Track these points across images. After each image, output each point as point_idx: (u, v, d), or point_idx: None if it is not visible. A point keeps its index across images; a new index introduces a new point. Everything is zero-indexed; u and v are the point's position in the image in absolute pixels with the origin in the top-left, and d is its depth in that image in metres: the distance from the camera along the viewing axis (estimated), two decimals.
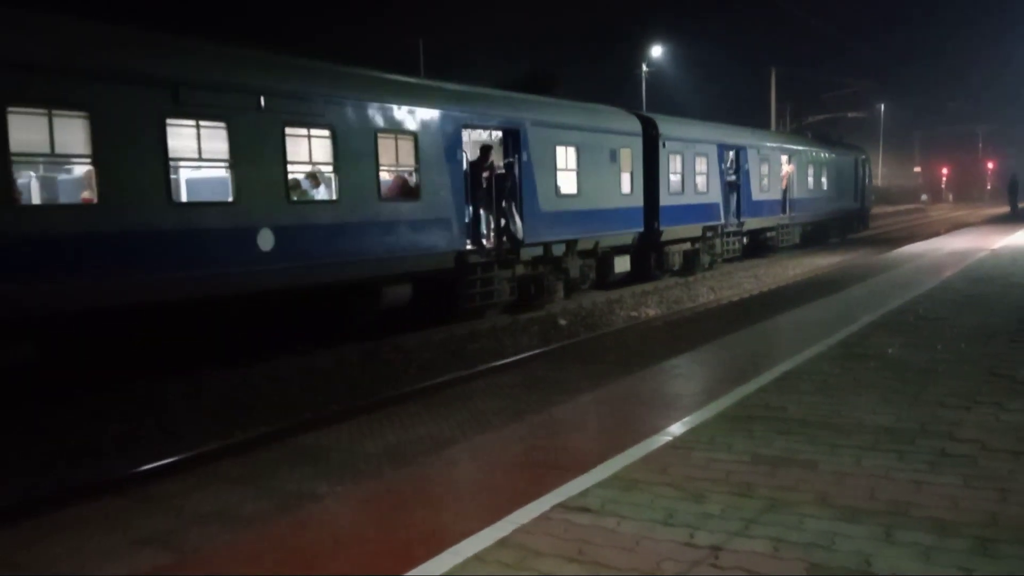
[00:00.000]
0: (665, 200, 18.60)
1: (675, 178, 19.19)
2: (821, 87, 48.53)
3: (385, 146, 11.57)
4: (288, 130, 10.18)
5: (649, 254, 18.89)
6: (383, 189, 11.64)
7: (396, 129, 11.73)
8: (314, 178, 10.91)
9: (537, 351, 11.33)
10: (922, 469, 4.10)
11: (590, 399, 6.31)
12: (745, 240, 23.61)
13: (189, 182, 10.30)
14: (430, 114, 12.27)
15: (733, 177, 22.27)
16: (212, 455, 7.00)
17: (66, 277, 8.04)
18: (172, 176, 9.14)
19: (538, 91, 16.01)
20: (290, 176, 10.31)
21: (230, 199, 9.57)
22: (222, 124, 9.40)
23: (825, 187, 29.46)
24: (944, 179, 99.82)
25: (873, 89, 57.85)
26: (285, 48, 11.39)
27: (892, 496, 3.76)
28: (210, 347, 9.93)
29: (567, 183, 15.34)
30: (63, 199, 9.00)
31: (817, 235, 29.47)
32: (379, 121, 11.43)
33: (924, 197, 79.73)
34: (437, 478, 4.54)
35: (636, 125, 17.89)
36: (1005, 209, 43.05)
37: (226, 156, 9.48)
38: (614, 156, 16.80)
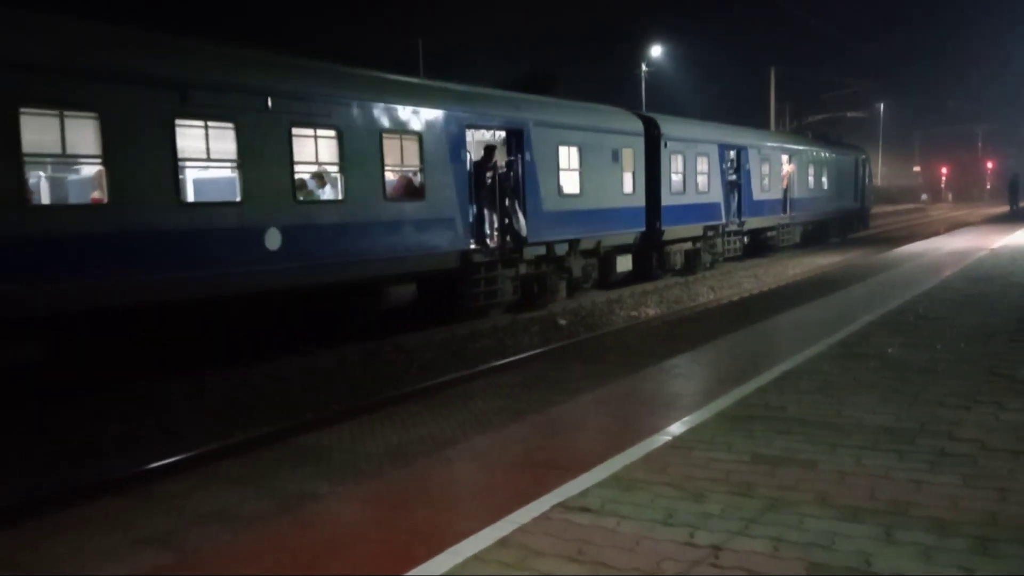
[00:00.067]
0: (667, 200, 18.63)
1: (677, 178, 19.22)
2: (821, 87, 48.67)
3: (390, 146, 11.62)
4: (295, 130, 10.23)
5: (651, 253, 18.91)
6: (388, 189, 11.69)
7: (401, 129, 11.78)
8: (320, 178, 10.96)
9: (537, 351, 11.34)
10: (922, 469, 4.11)
11: (590, 399, 6.31)
12: (746, 239, 23.64)
13: (197, 182, 10.34)
14: (434, 114, 12.30)
15: (734, 177, 22.29)
16: (213, 455, 7.00)
17: (75, 277, 8.09)
18: (181, 176, 9.19)
19: (538, 91, 16.06)
20: (296, 176, 10.35)
21: (238, 199, 9.62)
22: (230, 124, 9.46)
23: (825, 187, 29.47)
24: (944, 178, 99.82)
25: (873, 89, 57.96)
26: (285, 48, 11.41)
27: (892, 496, 3.76)
28: (212, 347, 9.94)
29: (570, 183, 15.38)
30: (73, 199, 9.06)
31: (817, 235, 29.48)
32: (384, 121, 11.47)
33: (924, 197, 79.75)
34: (438, 478, 4.55)
35: (638, 125, 17.91)
36: (1005, 208, 43.06)
37: (234, 156, 9.54)
38: (616, 156, 16.83)
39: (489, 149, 14.03)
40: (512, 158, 14.24)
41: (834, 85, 47.22)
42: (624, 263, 17.58)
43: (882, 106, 76.62)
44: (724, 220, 21.62)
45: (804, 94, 49.49)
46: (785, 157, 25.74)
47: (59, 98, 7.97)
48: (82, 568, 4.80)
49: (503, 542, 3.45)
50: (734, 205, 22.29)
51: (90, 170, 8.78)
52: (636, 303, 15.93)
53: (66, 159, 8.62)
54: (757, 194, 23.47)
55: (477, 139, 14.53)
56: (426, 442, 6.93)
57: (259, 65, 10.23)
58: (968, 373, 6.09)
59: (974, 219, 41.33)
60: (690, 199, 19.78)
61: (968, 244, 19.59)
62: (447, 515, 3.88)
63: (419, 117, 12.05)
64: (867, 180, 35.32)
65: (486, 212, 14.01)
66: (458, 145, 12.74)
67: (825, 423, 4.97)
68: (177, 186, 9.01)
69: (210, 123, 9.29)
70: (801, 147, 27.71)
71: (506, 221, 14.07)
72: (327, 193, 10.97)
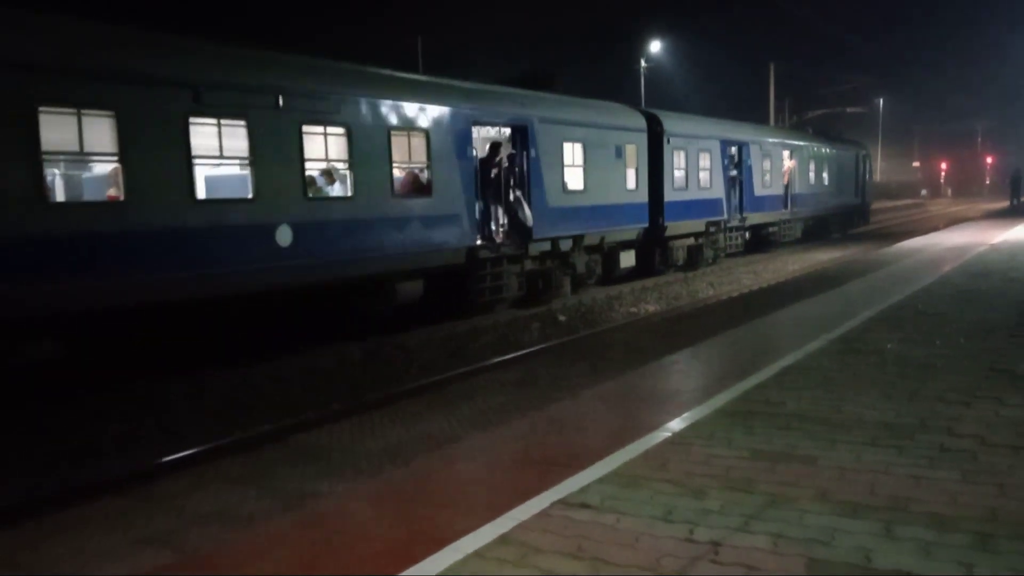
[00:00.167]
0: (669, 196, 18.64)
1: (679, 174, 19.22)
2: (820, 83, 48.53)
3: (398, 143, 11.67)
4: (305, 128, 10.29)
5: (654, 249, 18.93)
6: (396, 185, 11.74)
7: (408, 126, 11.82)
8: (330, 175, 11.03)
9: (538, 347, 11.35)
10: (922, 464, 4.11)
11: (590, 395, 6.31)
12: (747, 235, 23.63)
13: (211, 180, 10.40)
14: (441, 111, 12.34)
15: (735, 173, 22.29)
16: (213, 454, 7.00)
17: (93, 275, 8.14)
18: (194, 174, 9.24)
19: (538, 89, 16.03)
20: (307, 173, 10.41)
21: (250, 196, 9.67)
22: (242, 123, 9.53)
23: (826, 182, 29.45)
24: (943, 174, 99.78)
25: (873, 86, 57.87)
26: (285, 48, 11.42)
27: (892, 491, 3.76)
28: (214, 346, 9.95)
29: (574, 179, 15.41)
30: (90, 196, 9.14)
31: (818, 230, 29.46)
32: (392, 118, 11.52)
33: (923, 192, 79.74)
34: (438, 475, 4.55)
35: (641, 121, 17.93)
36: (1004, 204, 43.02)
37: (246, 154, 9.61)
38: (619, 152, 16.86)
39: (494, 145, 14.07)
40: (517, 154, 14.28)
41: (834, 83, 47.19)
42: (627, 259, 17.62)
43: (881, 102, 76.61)
44: (726, 216, 21.61)
45: (803, 91, 49.44)
46: (786, 153, 25.72)
47: (77, 98, 8.05)
48: (82, 568, 4.79)
49: (503, 539, 3.45)
50: (736, 201, 22.28)
51: (107, 168, 8.85)
52: (636, 299, 15.93)
53: (84, 157, 8.69)
54: (759, 190, 23.46)
55: (482, 136, 14.55)
56: (426, 440, 6.93)
57: (270, 64, 10.30)
58: (968, 369, 6.09)
59: (973, 214, 41.29)
60: (692, 195, 19.78)
61: (968, 240, 19.58)
62: (447, 512, 3.88)
63: (426, 114, 12.09)
64: (867, 176, 35.29)
65: (492, 208, 14.04)
66: (464, 142, 12.78)
67: (825, 419, 4.97)
68: (191, 183, 9.06)
69: (223, 121, 9.37)
70: (802, 143, 27.68)
71: (511, 217, 14.11)
72: (336, 190, 11.03)
